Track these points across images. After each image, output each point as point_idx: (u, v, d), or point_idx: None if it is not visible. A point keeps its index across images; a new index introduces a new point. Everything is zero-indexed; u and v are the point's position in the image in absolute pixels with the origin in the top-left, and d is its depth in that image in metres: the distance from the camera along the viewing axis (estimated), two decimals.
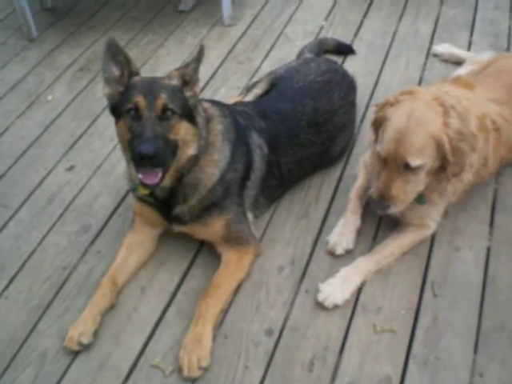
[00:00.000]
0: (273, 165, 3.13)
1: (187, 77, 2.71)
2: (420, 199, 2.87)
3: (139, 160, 2.52)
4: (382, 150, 2.71)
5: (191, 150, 2.74)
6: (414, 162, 2.63)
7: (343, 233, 3.05)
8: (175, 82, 2.70)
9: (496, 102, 3.10)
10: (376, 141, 2.87)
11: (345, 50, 4.46)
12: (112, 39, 2.69)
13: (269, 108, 3.22)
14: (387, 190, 2.72)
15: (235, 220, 2.94)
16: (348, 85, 3.53)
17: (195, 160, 2.78)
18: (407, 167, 2.66)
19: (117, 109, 2.69)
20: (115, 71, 2.72)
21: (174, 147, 2.63)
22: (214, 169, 2.85)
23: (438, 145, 2.62)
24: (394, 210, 2.78)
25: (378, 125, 2.83)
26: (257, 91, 3.62)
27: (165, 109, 2.58)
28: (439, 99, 2.68)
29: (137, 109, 2.58)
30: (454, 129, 2.62)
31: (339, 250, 3.00)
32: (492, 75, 3.36)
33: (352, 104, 3.57)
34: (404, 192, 2.72)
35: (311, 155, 3.29)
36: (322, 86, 3.35)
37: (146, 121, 2.55)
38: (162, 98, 2.58)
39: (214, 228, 2.92)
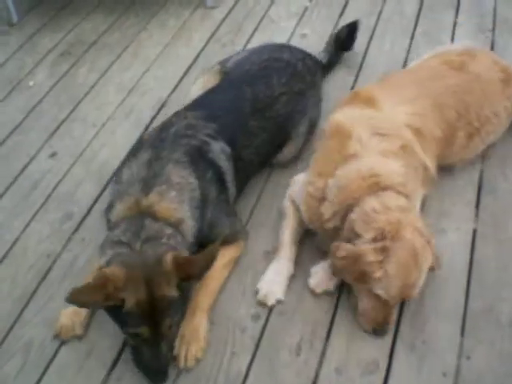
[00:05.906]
0: (236, 159, 3.03)
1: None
2: None
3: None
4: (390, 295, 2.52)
5: None
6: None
7: (276, 281, 2.82)
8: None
9: (405, 102, 2.97)
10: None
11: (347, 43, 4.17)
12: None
13: (213, 106, 3.13)
14: (389, 319, 2.60)
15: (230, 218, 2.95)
16: (292, 73, 3.41)
17: None
18: None
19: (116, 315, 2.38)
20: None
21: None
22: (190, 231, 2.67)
23: None
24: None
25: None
26: (205, 83, 3.55)
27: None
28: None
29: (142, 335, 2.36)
30: None
31: (271, 301, 2.76)
32: (407, 72, 3.47)
33: (299, 94, 3.40)
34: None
35: (264, 142, 3.18)
36: (257, 72, 3.31)
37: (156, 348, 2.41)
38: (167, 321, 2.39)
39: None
